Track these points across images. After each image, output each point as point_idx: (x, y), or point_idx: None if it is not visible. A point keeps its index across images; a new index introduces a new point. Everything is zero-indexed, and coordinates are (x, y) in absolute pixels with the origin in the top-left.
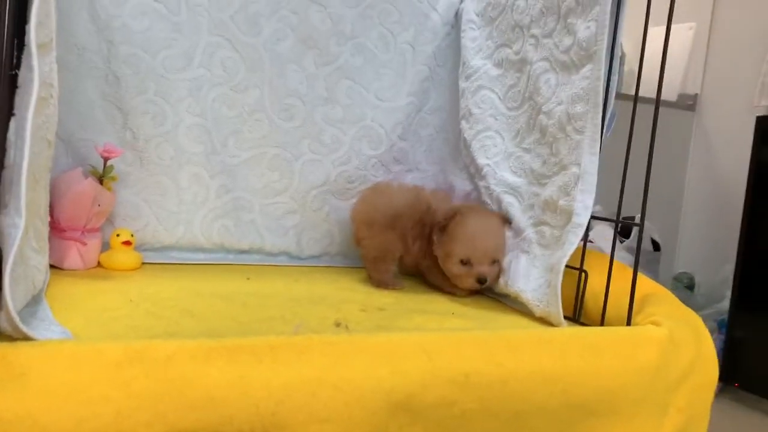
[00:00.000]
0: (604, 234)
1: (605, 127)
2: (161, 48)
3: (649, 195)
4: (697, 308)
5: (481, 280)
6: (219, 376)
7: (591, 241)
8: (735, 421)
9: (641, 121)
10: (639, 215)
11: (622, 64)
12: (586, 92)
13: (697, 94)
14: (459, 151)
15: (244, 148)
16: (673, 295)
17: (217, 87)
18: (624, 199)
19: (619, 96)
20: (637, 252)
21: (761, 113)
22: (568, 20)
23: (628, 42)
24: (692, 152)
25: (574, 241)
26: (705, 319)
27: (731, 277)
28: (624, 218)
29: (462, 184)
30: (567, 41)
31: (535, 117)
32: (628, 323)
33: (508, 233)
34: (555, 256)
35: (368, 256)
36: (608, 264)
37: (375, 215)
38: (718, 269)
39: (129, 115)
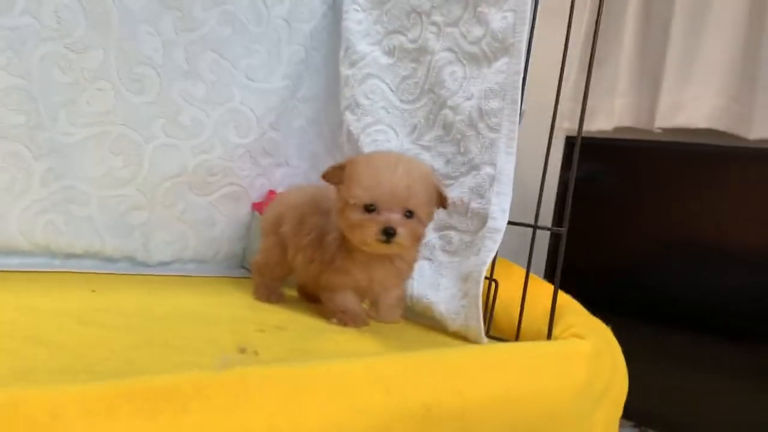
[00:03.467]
0: None
1: None
2: None
3: None
4: None
5: (387, 231)
6: None
7: None
8: None
9: None
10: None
11: None
12: (501, 87)
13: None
14: (337, 146)
15: (81, 124)
16: (580, 305)
17: (48, 42)
18: None
19: None
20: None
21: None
22: (478, 9)
23: None
24: None
25: (492, 248)
26: None
27: None
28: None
29: None
30: (477, 31)
31: (437, 112)
32: (549, 337)
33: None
34: (468, 264)
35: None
36: (521, 274)
37: (263, 220)
38: None
39: None
